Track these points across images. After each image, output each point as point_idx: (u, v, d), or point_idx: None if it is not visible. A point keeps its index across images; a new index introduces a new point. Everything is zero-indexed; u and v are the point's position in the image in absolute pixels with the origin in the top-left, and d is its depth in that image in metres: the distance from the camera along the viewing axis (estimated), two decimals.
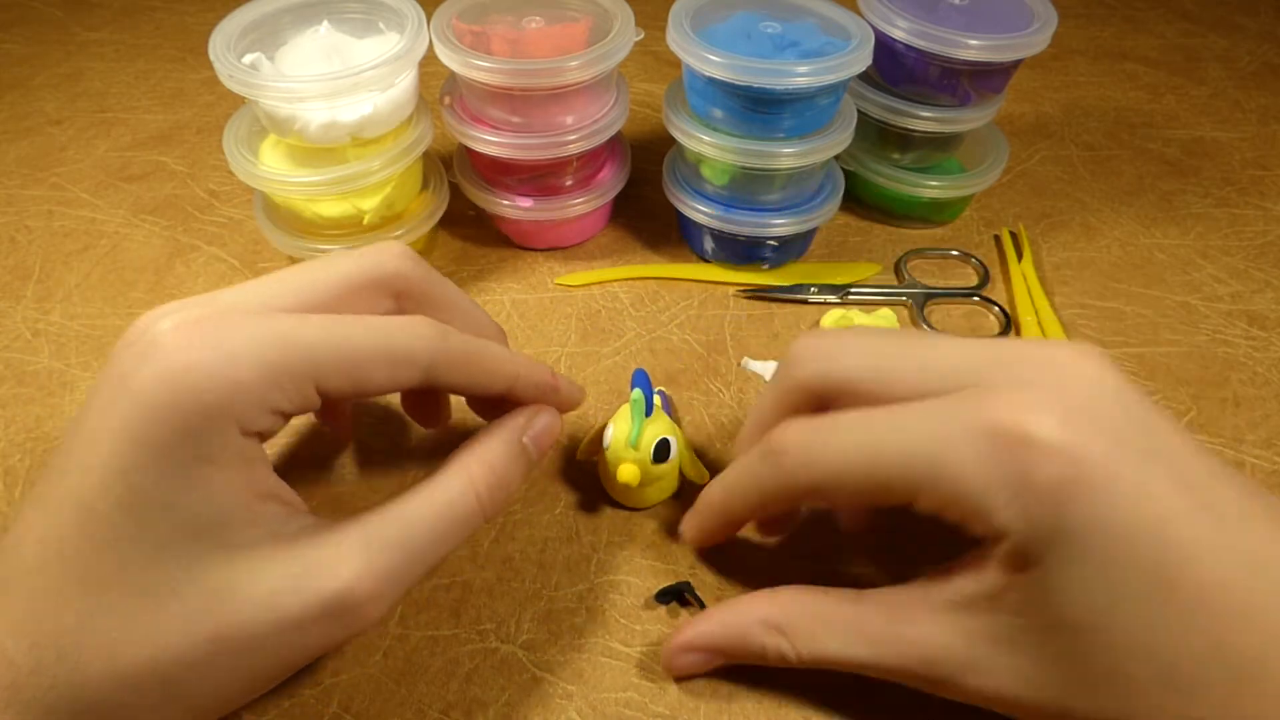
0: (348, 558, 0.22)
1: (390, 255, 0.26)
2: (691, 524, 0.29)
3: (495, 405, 0.28)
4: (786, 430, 0.24)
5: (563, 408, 0.28)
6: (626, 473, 0.29)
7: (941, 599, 0.23)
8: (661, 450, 0.29)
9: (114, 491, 0.20)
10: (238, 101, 0.37)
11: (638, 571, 0.30)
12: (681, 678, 0.27)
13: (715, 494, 0.27)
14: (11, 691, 0.19)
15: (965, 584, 0.23)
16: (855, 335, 0.26)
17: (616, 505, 0.32)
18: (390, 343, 0.23)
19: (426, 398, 0.32)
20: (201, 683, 0.21)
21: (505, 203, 0.41)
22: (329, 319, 0.23)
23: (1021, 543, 0.21)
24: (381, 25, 0.38)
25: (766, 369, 0.37)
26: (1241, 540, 0.20)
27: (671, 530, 0.31)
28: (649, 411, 0.29)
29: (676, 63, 0.37)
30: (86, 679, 0.20)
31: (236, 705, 0.22)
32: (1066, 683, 0.21)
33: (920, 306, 0.41)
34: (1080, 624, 0.21)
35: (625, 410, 0.30)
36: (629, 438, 0.29)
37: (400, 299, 0.26)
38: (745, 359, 0.37)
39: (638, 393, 0.29)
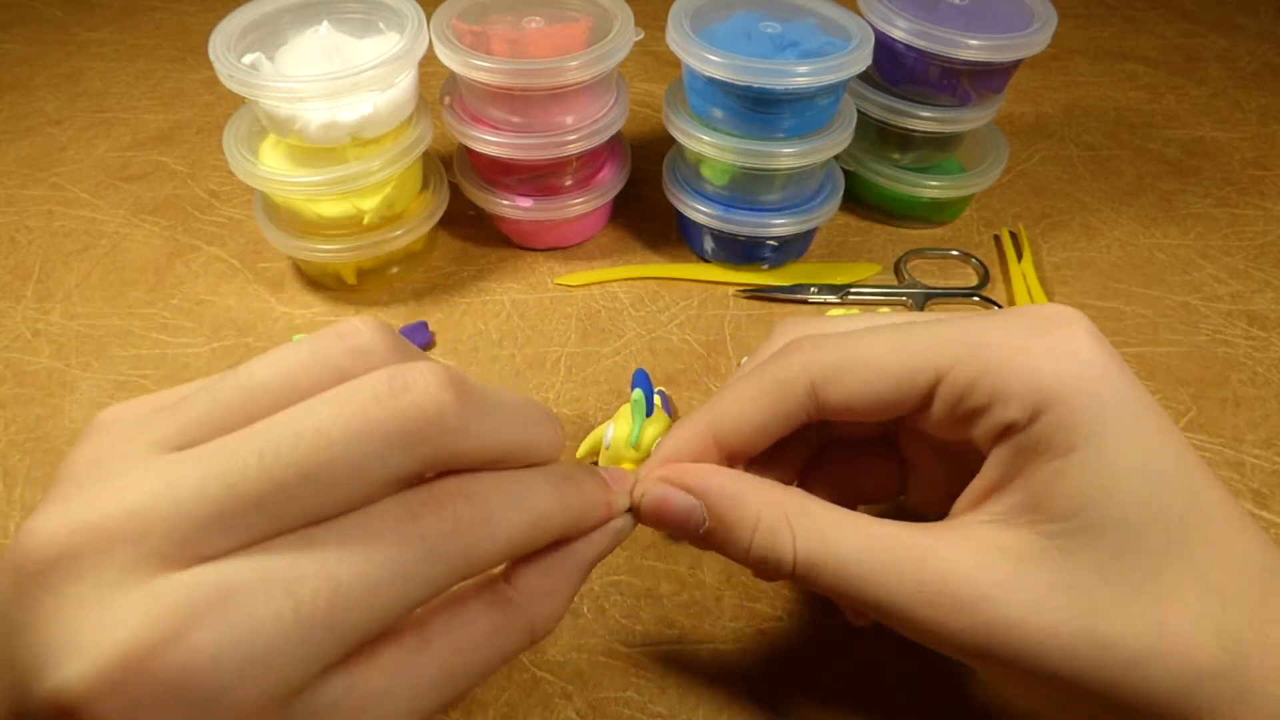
0: None
1: (362, 354, 0.18)
2: (665, 445, 0.23)
3: None
4: (789, 327, 0.23)
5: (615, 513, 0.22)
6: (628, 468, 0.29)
7: (974, 519, 0.20)
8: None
9: None
10: (238, 101, 0.37)
11: (638, 571, 0.30)
12: (643, 514, 0.22)
13: (701, 412, 0.23)
14: None
15: (1000, 501, 0.20)
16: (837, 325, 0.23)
17: None
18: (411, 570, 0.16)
19: None
20: None
21: (505, 203, 0.41)
22: (366, 557, 0.16)
23: (1070, 411, 0.19)
24: (381, 25, 0.38)
25: None
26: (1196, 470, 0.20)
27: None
28: (649, 411, 0.29)
29: (676, 63, 0.37)
30: None
31: None
32: (1104, 596, 0.19)
33: (920, 306, 0.41)
34: (1125, 519, 0.19)
35: (625, 410, 0.30)
36: (629, 438, 0.29)
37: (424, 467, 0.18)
38: (745, 359, 0.37)
39: (638, 393, 0.29)
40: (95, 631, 0.14)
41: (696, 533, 0.21)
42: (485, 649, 0.19)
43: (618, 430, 0.29)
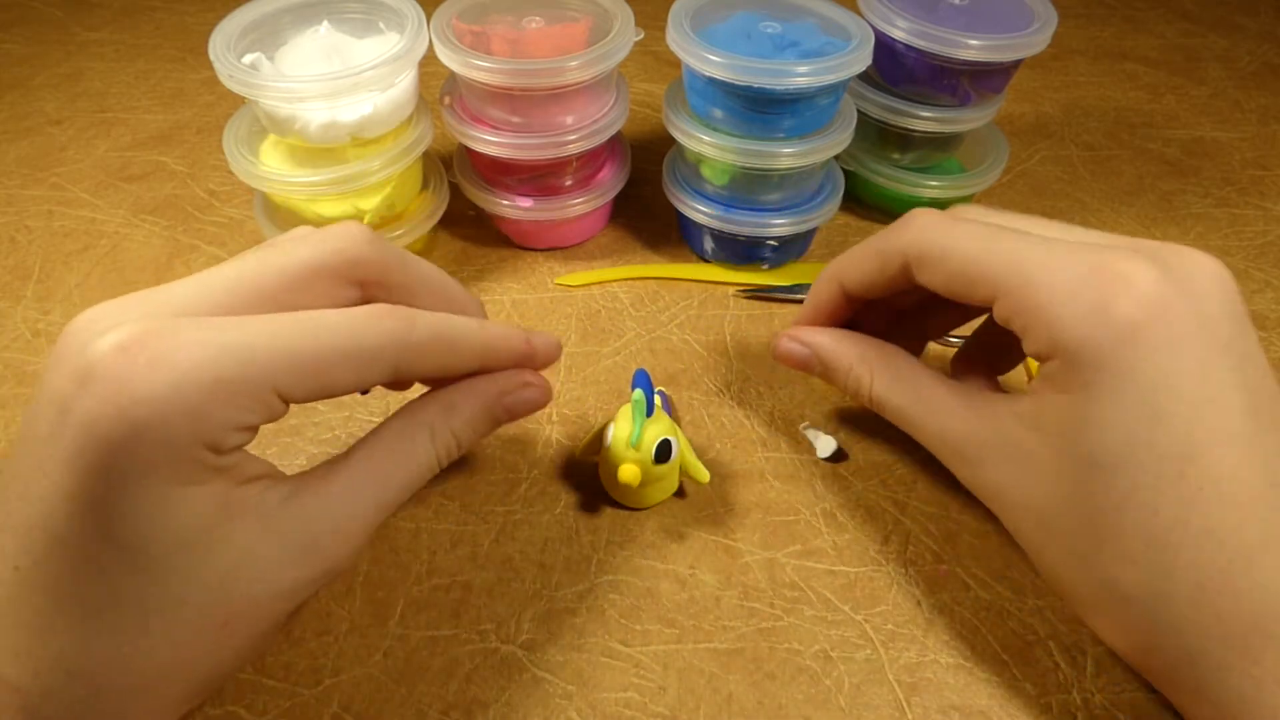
0: (343, 531, 0.23)
1: (349, 240, 0.24)
2: (807, 303, 0.32)
3: None
4: (926, 212, 0.27)
5: (540, 367, 0.28)
6: (628, 473, 0.29)
7: (1005, 407, 0.25)
8: (663, 450, 0.29)
9: (86, 522, 0.19)
10: (238, 101, 0.37)
11: (638, 571, 0.30)
12: (780, 359, 0.32)
13: (833, 263, 0.30)
14: (28, 715, 0.20)
15: (1025, 401, 0.25)
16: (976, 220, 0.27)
17: (616, 505, 0.32)
18: (351, 342, 0.22)
19: None
20: (213, 663, 0.22)
21: (505, 203, 0.41)
22: (281, 322, 0.21)
23: (1074, 363, 0.22)
24: (381, 25, 0.38)
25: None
26: (1275, 453, 0.21)
27: (671, 530, 0.31)
28: (650, 412, 0.29)
29: (676, 63, 0.37)
30: (102, 691, 0.20)
31: (236, 667, 0.24)
32: (1060, 506, 0.23)
33: None
34: (1096, 459, 0.22)
35: (626, 410, 0.30)
36: (630, 438, 0.29)
37: (365, 286, 0.25)
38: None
39: (639, 393, 0.29)
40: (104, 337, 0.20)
41: (815, 371, 0.31)
42: (396, 466, 0.25)
43: (618, 430, 0.30)
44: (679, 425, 0.33)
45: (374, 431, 0.25)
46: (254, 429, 0.21)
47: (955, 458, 0.27)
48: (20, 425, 0.34)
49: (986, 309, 0.26)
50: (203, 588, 0.21)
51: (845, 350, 0.30)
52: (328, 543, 0.23)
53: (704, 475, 0.31)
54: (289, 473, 0.24)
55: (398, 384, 0.26)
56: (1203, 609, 0.21)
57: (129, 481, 0.19)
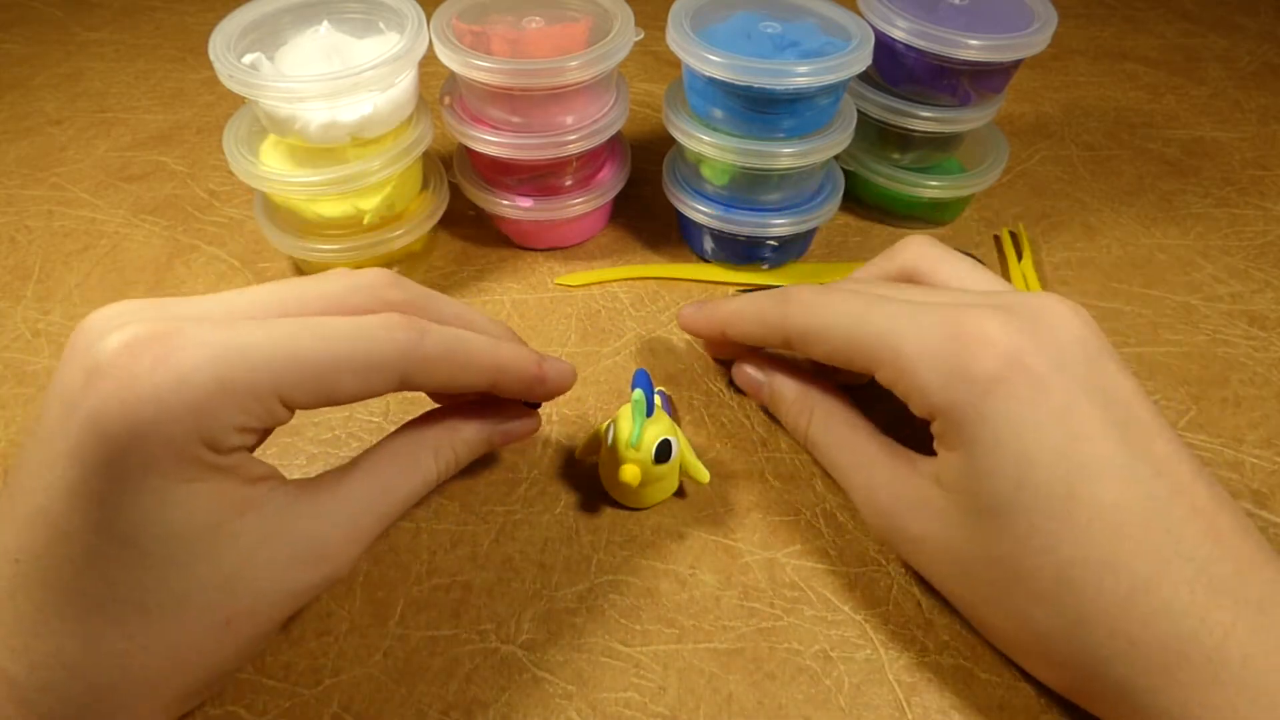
0: (348, 536, 0.24)
1: (377, 276, 0.25)
2: (695, 315, 0.33)
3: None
4: (800, 287, 0.29)
5: (550, 396, 0.29)
6: (628, 473, 0.29)
7: (918, 466, 0.27)
8: (663, 451, 0.29)
9: (87, 515, 0.19)
10: (238, 101, 0.37)
11: (638, 571, 0.30)
12: (738, 381, 0.34)
13: (726, 308, 0.32)
14: (24, 708, 0.20)
15: (929, 462, 0.26)
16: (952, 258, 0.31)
17: (616, 505, 0.32)
18: (358, 350, 0.22)
19: None
20: (214, 662, 0.22)
21: (505, 203, 0.41)
22: (289, 326, 0.21)
23: (949, 423, 0.24)
24: (381, 25, 0.38)
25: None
26: (1151, 477, 0.22)
27: (671, 531, 0.31)
28: (649, 412, 0.29)
29: (676, 63, 0.37)
30: (99, 687, 0.20)
31: (238, 670, 0.25)
32: (972, 554, 0.24)
33: None
34: (991, 507, 0.23)
35: (626, 410, 0.30)
36: (630, 438, 0.29)
37: None
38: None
39: (639, 393, 0.29)
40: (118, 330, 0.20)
41: (763, 400, 0.33)
42: (400, 478, 0.26)
43: (618, 430, 0.30)
44: (679, 425, 0.33)
45: (379, 444, 0.26)
46: (255, 431, 0.22)
47: (875, 511, 0.28)
48: (30, 420, 0.34)
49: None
50: (206, 586, 0.21)
51: (793, 388, 0.32)
52: (335, 547, 0.24)
53: (704, 475, 0.31)
54: (289, 472, 0.24)
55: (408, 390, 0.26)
56: (1117, 637, 0.22)
57: (131, 477, 0.19)
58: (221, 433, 0.20)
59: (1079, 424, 0.23)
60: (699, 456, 0.32)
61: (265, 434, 0.23)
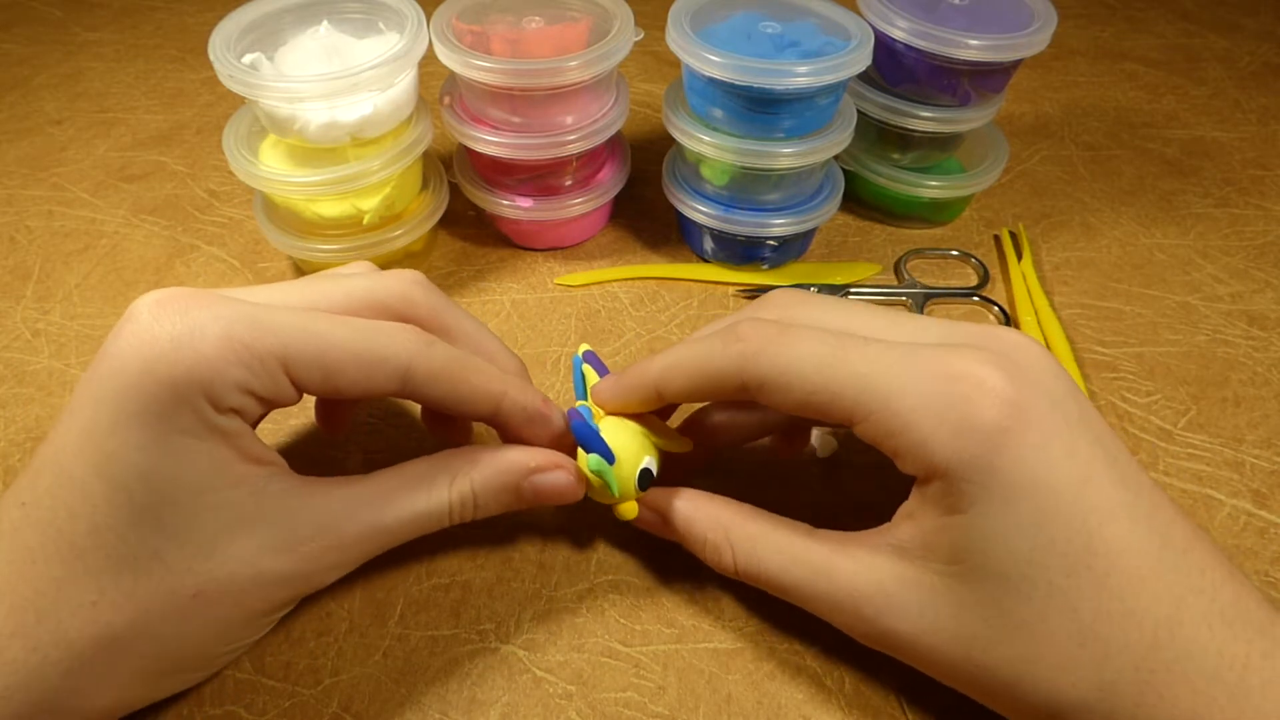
0: (326, 536, 0.24)
1: (406, 280, 0.26)
2: (614, 386, 0.27)
3: (463, 428, 0.30)
4: (753, 323, 0.24)
5: (553, 442, 0.27)
6: (627, 512, 0.28)
7: (883, 542, 0.24)
8: (645, 479, 0.27)
9: (88, 456, 0.21)
10: (238, 101, 0.37)
11: (638, 572, 0.30)
12: (641, 526, 0.29)
13: (656, 364, 0.26)
14: None
15: (905, 531, 0.23)
16: (806, 324, 0.25)
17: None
18: (364, 341, 0.23)
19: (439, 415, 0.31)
20: (181, 634, 0.22)
21: (505, 203, 0.41)
22: (307, 311, 0.23)
23: (956, 482, 0.21)
24: (381, 25, 0.38)
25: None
26: (1153, 511, 0.22)
27: None
28: (581, 393, 0.29)
29: (676, 63, 0.37)
30: (69, 640, 0.20)
31: (214, 656, 0.24)
32: (982, 632, 0.22)
33: (920, 306, 0.41)
34: (1005, 572, 0.21)
35: (584, 459, 0.27)
36: (611, 491, 0.27)
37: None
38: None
39: (578, 429, 0.26)
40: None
41: (674, 539, 0.28)
42: (409, 495, 0.25)
43: (593, 484, 0.28)
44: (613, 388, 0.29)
45: (398, 464, 0.26)
46: (257, 398, 0.22)
47: (849, 617, 0.24)
48: (30, 420, 0.34)
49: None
50: (180, 548, 0.21)
51: (700, 518, 0.27)
52: (307, 544, 0.23)
53: (686, 444, 0.29)
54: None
55: (410, 399, 0.26)
56: (1146, 690, 0.21)
57: (132, 417, 0.20)
58: (223, 388, 0.21)
59: (1084, 467, 0.21)
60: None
61: (268, 407, 0.23)
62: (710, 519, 0.26)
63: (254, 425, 0.24)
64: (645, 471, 0.27)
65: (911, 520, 0.23)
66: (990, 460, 0.21)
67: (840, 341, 0.23)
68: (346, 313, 0.24)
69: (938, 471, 0.22)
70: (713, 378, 0.25)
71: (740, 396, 0.25)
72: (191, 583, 0.22)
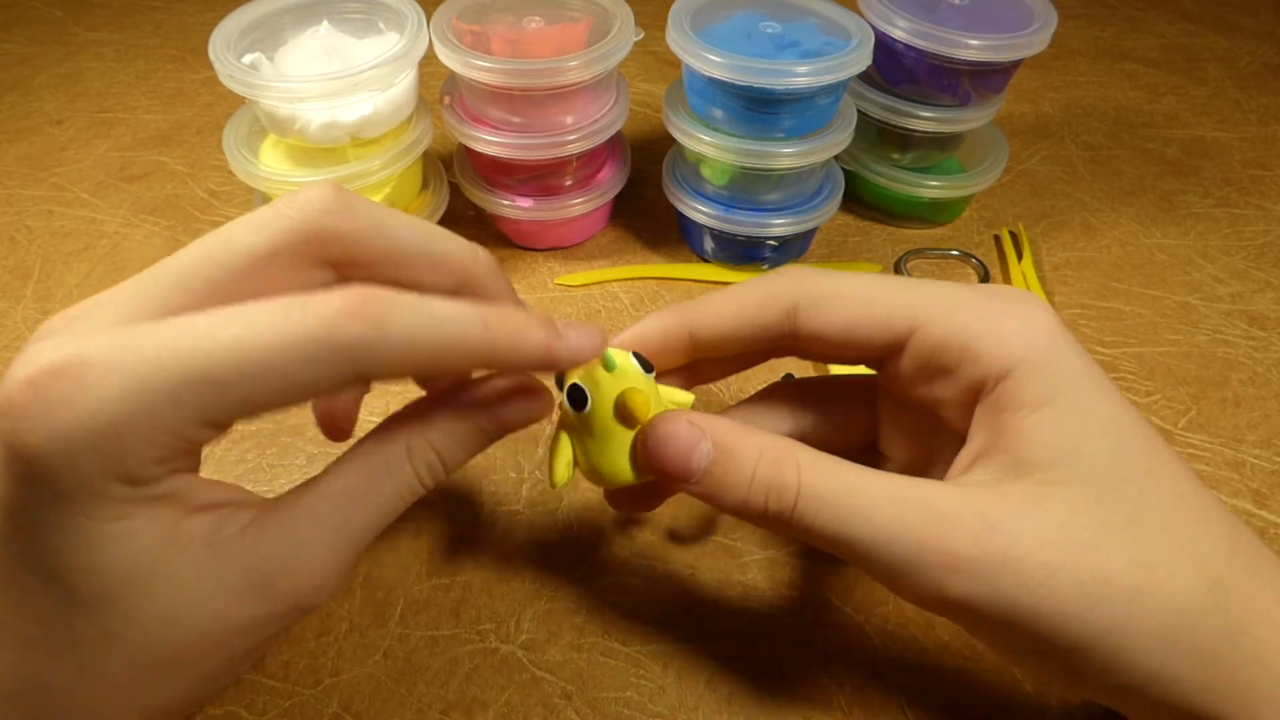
0: (302, 563, 0.21)
1: (305, 214, 0.20)
2: (632, 330, 0.25)
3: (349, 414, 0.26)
4: (788, 267, 0.24)
5: (564, 367, 0.22)
6: (639, 402, 0.23)
7: (968, 480, 0.21)
8: (644, 361, 0.24)
9: (10, 551, 0.18)
10: (238, 101, 0.37)
11: (638, 571, 0.30)
12: (647, 442, 0.22)
13: (690, 307, 0.24)
14: None
15: (984, 468, 0.21)
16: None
17: (616, 505, 0.32)
18: (289, 349, 0.18)
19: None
20: (162, 695, 0.20)
21: (505, 203, 0.41)
22: (201, 329, 0.18)
23: (1035, 370, 0.21)
24: (381, 25, 0.38)
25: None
26: (1173, 457, 0.22)
27: (670, 532, 0.31)
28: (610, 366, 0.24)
29: (676, 63, 0.37)
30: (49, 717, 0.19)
31: (197, 702, 0.22)
32: (1102, 538, 0.20)
33: None
34: (1097, 465, 0.20)
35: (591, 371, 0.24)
36: (606, 362, 0.24)
37: (338, 265, 0.21)
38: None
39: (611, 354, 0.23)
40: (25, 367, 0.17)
41: (696, 469, 0.21)
42: (372, 484, 0.21)
43: (597, 383, 0.24)
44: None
45: (349, 450, 0.22)
46: (180, 456, 0.19)
47: (954, 537, 0.20)
48: None
49: (869, 359, 0.23)
50: (140, 625, 0.19)
51: (751, 432, 0.22)
52: (285, 579, 0.20)
53: (688, 398, 0.26)
54: (290, 473, 0.23)
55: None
56: (1246, 584, 0.20)
57: (50, 517, 0.18)
58: (136, 467, 0.18)
59: (1117, 406, 0.22)
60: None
61: (197, 453, 0.20)
62: (763, 435, 0.22)
63: (199, 454, 0.21)
64: (640, 358, 0.24)
65: (991, 450, 0.21)
66: (1063, 354, 0.21)
67: (882, 276, 0.23)
68: (249, 275, 0.20)
69: (1019, 358, 0.21)
70: (756, 304, 0.23)
71: (784, 327, 0.23)
72: (164, 653, 0.20)
